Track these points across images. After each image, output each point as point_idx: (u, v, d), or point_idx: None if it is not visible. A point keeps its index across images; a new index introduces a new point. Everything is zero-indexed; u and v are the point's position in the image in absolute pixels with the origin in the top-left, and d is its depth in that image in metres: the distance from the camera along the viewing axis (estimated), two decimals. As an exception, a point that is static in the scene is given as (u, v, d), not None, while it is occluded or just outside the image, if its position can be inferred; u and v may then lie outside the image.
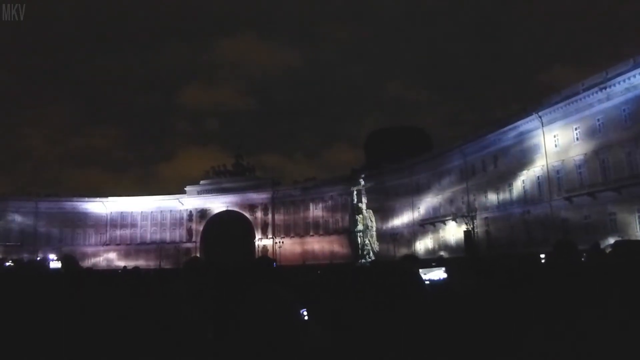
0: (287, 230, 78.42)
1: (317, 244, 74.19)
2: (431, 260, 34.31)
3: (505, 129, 47.81)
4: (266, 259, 5.35)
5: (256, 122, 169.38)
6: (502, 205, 48.73)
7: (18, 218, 78.25)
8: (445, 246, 54.72)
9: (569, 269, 3.70)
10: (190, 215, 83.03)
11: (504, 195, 48.60)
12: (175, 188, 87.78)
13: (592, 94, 38.68)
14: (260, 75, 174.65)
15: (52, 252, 70.02)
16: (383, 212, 66.47)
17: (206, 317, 3.44)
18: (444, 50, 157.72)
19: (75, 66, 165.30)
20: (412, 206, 61.79)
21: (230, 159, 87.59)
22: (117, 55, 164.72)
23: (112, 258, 78.39)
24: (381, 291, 2.08)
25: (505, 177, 48.07)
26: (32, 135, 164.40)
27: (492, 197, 50.06)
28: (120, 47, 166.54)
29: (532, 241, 41.28)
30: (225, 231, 77.21)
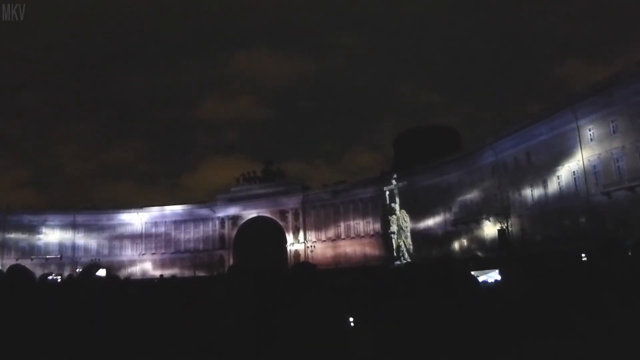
0: (318, 234, 78.44)
1: (349, 247, 73.94)
2: (466, 260, 33.84)
3: (538, 124, 46.83)
4: (307, 264, 5.34)
5: (275, 130, 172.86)
6: (536, 202, 47.66)
7: (57, 231, 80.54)
8: (480, 245, 53.82)
9: (619, 270, 3.58)
10: (222, 222, 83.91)
11: (538, 192, 47.53)
12: (201, 198, 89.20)
13: (630, 85, 37.53)
14: (276, 86, 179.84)
15: (88, 265, 71.82)
16: (414, 212, 65.76)
17: (250, 322, 3.47)
18: (456, 50, 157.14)
19: (100, 85, 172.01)
20: (444, 206, 61.03)
21: (251, 167, 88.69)
22: (139, 73, 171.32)
23: (147, 268, 79.84)
24: (437, 295, 2.05)
25: (540, 173, 47.02)
26: (63, 152, 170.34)
27: (526, 194, 49.03)
28: (141, 66, 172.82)
29: (569, 238, 40.23)
30: (257, 237, 77.70)
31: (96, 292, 4.18)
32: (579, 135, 42.61)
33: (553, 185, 45.82)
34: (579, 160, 42.80)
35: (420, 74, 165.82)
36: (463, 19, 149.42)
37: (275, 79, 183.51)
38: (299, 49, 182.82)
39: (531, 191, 48.40)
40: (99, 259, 75.68)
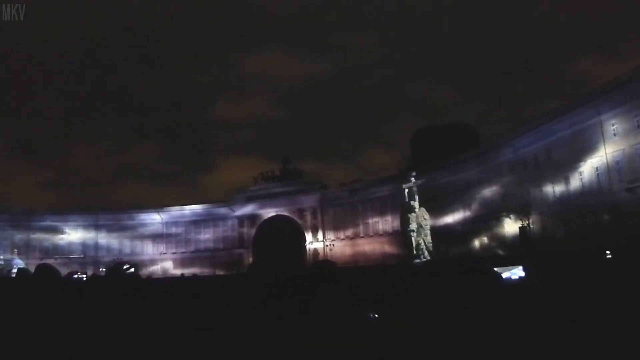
0: (336, 232, 78.43)
1: (368, 245, 73.77)
2: (487, 257, 33.48)
3: (558, 120, 46.12)
4: (327, 262, 5.37)
5: (289, 130, 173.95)
6: (558, 199, 46.97)
7: (80, 231, 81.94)
8: (501, 243, 53.23)
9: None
10: (241, 221, 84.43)
11: (559, 189, 46.83)
12: (218, 197, 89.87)
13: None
14: (289, 86, 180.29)
15: (113, 264, 72.88)
16: (433, 210, 65.34)
17: (273, 319, 3.50)
18: (470, 47, 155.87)
19: (118, 88, 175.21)
20: (464, 203, 60.53)
21: (267, 167, 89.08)
22: (155, 76, 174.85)
23: (168, 267, 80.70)
24: (461, 292, 2.04)
25: (561, 170, 46.31)
26: (83, 153, 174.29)
27: (547, 191, 48.35)
28: (156, 68, 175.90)
29: (591, 236, 39.52)
30: (276, 236, 77.99)
31: (125, 288, 4.27)
32: (602, 131, 41.86)
33: (575, 182, 45.10)
34: (601, 156, 42.05)
35: (434, 72, 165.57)
36: (476, 15, 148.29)
37: (288, 79, 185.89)
38: (311, 49, 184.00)
39: (552, 188, 47.72)
40: (121, 258, 76.80)
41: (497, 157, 55.44)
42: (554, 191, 47.58)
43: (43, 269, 4.50)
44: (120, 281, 4.97)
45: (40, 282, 3.59)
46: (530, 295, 2.60)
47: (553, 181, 47.45)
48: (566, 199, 45.85)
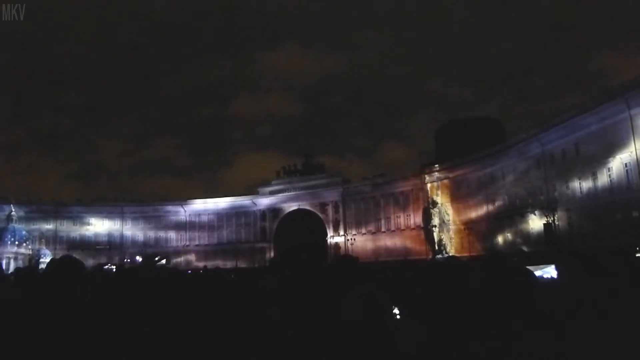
0: (358, 226, 78.30)
1: (389, 240, 73.48)
2: (511, 254, 33.00)
3: (586, 114, 45.04)
4: (350, 257, 5.30)
5: (306, 126, 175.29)
6: (585, 195, 45.95)
7: (106, 223, 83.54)
8: (525, 239, 52.42)
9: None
10: (263, 215, 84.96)
11: (587, 185, 45.79)
12: (237, 192, 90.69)
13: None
14: (306, 82, 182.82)
15: (138, 255, 74.26)
16: (456, 205, 64.81)
17: (293, 314, 3.46)
18: (487, 43, 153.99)
19: (139, 85, 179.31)
20: (487, 199, 59.77)
21: (285, 162, 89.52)
22: (175, 73, 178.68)
23: (191, 259, 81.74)
24: (492, 291, 1.95)
25: (589, 165, 45.27)
26: (106, 148, 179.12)
27: (574, 187, 47.35)
28: (176, 66, 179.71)
29: (620, 233, 38.57)
30: (298, 229, 78.24)
31: (160, 280, 4.27)
32: (632, 125, 40.74)
33: (603, 178, 44.05)
34: (631, 152, 40.95)
35: (451, 68, 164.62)
36: (493, 11, 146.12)
37: (304, 76, 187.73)
38: (327, 45, 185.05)
39: (579, 184, 46.72)
40: (145, 250, 78.14)
41: (523, 152, 54.51)
42: (580, 187, 46.57)
43: (66, 260, 4.46)
44: (154, 273, 4.99)
45: (62, 274, 3.60)
46: (569, 298, 2.46)
47: (580, 177, 46.44)
48: (594, 196, 44.83)
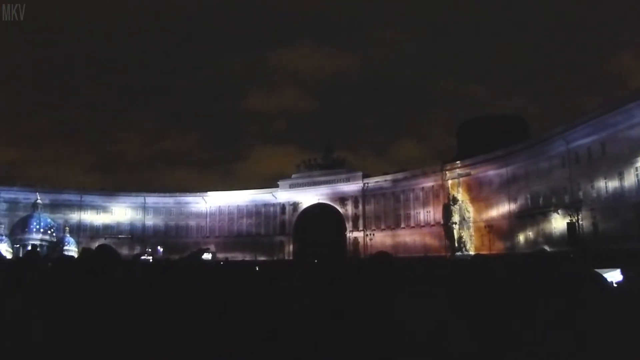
0: (377, 222, 78.05)
1: (408, 237, 73.12)
2: (531, 254, 32.61)
3: (614, 113, 44.10)
4: (384, 255, 5.27)
5: (321, 121, 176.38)
6: (611, 195, 45.05)
7: (128, 212, 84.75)
8: (547, 239, 51.70)
9: None
10: (282, 208, 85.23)
11: (613, 184, 44.87)
12: (254, 185, 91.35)
13: None
14: (320, 79, 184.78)
15: (159, 245, 75.22)
16: (477, 203, 64.16)
17: (317, 312, 3.46)
18: (502, 43, 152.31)
19: (157, 79, 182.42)
20: (509, 196, 59.03)
21: (301, 157, 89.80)
22: (191, 67, 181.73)
23: (211, 250, 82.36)
24: (556, 295, 1.91)
25: (615, 165, 44.34)
26: (125, 140, 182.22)
27: (600, 187, 46.45)
28: (192, 61, 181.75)
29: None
30: (317, 224, 78.35)
31: (206, 274, 4.34)
32: (661, 125, 39.82)
33: (630, 178, 43.11)
34: (660, 152, 40.06)
35: (466, 67, 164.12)
36: (509, 10, 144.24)
37: (318, 72, 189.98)
38: (342, 43, 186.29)
39: (605, 183, 45.81)
40: (166, 240, 79.07)
41: (547, 150, 53.62)
42: (606, 187, 45.67)
43: (103, 249, 4.49)
44: (200, 267, 5.07)
45: (100, 263, 3.66)
46: (635, 302, 2.38)
47: (606, 176, 45.53)
48: (620, 196, 43.93)
